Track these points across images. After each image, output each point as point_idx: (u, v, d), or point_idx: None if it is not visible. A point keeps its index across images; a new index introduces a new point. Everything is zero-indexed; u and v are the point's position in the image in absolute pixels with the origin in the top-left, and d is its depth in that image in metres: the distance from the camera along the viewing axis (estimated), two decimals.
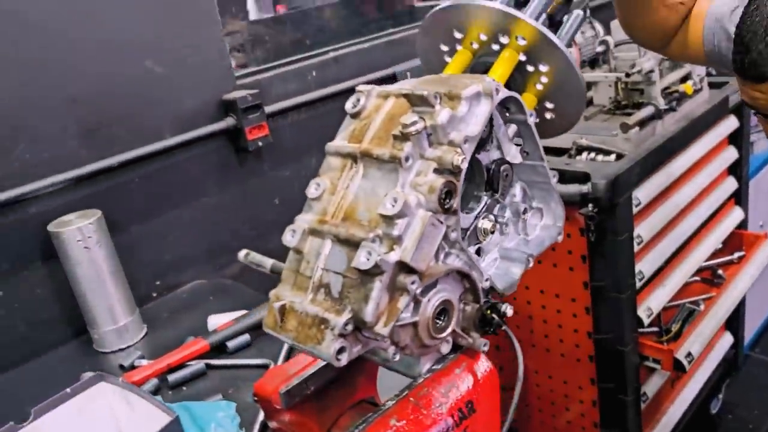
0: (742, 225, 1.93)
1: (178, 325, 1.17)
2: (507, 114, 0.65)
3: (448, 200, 0.57)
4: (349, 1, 5.43)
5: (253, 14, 6.35)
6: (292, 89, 1.42)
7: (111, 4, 1.15)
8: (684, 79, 1.60)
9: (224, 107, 1.31)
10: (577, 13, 0.76)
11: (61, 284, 1.13)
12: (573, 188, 1.32)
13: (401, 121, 0.58)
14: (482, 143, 0.64)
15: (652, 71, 1.48)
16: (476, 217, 0.65)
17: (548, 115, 0.72)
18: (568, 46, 0.70)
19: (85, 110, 1.14)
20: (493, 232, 0.67)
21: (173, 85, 1.24)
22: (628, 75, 1.49)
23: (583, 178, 1.32)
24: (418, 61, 1.60)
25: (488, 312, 0.62)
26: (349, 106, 0.67)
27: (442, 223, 0.57)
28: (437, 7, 0.72)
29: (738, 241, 1.92)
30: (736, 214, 1.88)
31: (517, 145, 0.69)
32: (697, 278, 1.83)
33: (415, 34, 1.68)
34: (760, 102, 0.77)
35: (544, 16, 0.74)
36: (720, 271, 1.85)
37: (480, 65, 0.72)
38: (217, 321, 1.12)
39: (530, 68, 0.69)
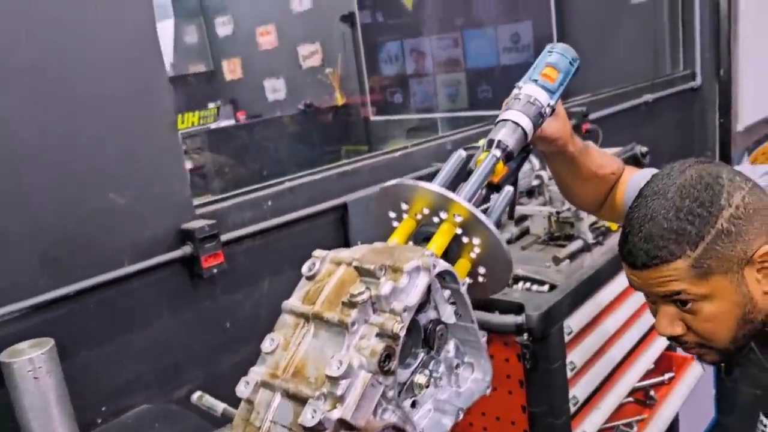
0: (671, 347, 2.05)
1: None
2: (443, 281, 0.74)
3: (387, 363, 0.64)
4: (306, 113, 5.66)
5: (212, 123, 6.50)
6: (249, 217, 1.50)
7: (79, 139, 1.23)
8: None
9: (182, 236, 1.37)
10: (507, 189, 0.88)
11: (4, 411, 1.13)
12: (509, 318, 1.41)
13: (350, 291, 0.66)
14: (421, 306, 0.73)
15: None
16: (413, 372, 0.73)
17: (481, 279, 0.82)
18: (498, 224, 0.81)
19: (47, 240, 1.19)
20: (427, 386, 0.74)
21: (134, 216, 1.31)
22: (558, 213, 1.63)
23: (518, 309, 1.42)
24: (367, 192, 1.72)
25: None
26: (305, 269, 0.75)
27: (380, 383, 0.64)
28: (387, 184, 0.82)
29: (668, 363, 2.04)
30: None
31: (452, 303, 0.78)
32: (630, 399, 1.92)
33: (365, 166, 1.81)
34: (635, 284, 0.90)
35: (481, 191, 0.86)
36: (652, 392, 1.94)
37: (423, 233, 0.82)
38: None
39: (465, 240, 0.79)
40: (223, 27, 6.23)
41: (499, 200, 0.88)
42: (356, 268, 0.68)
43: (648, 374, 1.94)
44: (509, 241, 1.78)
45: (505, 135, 0.92)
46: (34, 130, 1.17)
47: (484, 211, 0.83)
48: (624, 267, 0.91)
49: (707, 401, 2.72)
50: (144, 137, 1.32)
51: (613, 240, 1.72)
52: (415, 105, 4.91)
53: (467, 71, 4.47)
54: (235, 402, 0.70)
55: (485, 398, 1.69)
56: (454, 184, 0.88)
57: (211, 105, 6.07)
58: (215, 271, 1.39)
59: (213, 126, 5.99)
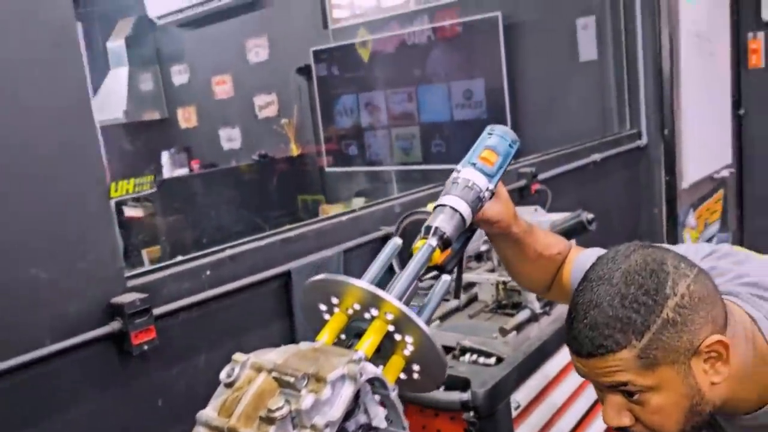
0: None
1: None
2: (372, 386, 0.70)
3: None
4: (262, 163, 5.62)
5: (166, 171, 6.41)
6: (186, 288, 1.44)
7: None
8: None
9: (111, 311, 1.30)
10: (444, 279, 0.85)
11: None
12: (454, 395, 1.37)
13: (268, 406, 0.61)
14: (349, 413, 0.68)
15: None
16: None
17: (416, 376, 0.78)
18: (428, 322, 0.78)
19: None
20: None
21: (59, 291, 1.23)
22: (505, 283, 1.62)
23: (464, 385, 1.38)
24: (312, 258, 1.68)
25: None
26: (223, 375, 0.69)
27: None
28: (315, 278, 0.78)
29: None
30: None
31: (383, 405, 0.73)
32: None
33: (310, 231, 1.76)
34: (580, 371, 0.87)
35: (417, 281, 0.83)
36: None
37: (355, 328, 0.78)
38: None
39: (398, 337, 0.75)
40: (179, 75, 6.21)
41: (435, 291, 0.85)
42: (276, 379, 0.64)
43: None
44: (457, 309, 1.75)
45: (443, 221, 0.89)
46: None
47: (419, 311, 0.80)
48: (570, 354, 0.89)
49: None
50: (73, 207, 1.26)
51: (561, 309, 1.71)
52: (370, 157, 4.93)
53: (421, 125, 4.52)
54: None
55: None
56: (390, 275, 0.85)
57: (164, 157, 5.99)
58: (146, 347, 1.32)
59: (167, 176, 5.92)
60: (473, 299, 1.80)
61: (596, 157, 3.11)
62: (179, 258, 1.49)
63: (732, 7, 4.39)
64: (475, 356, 1.51)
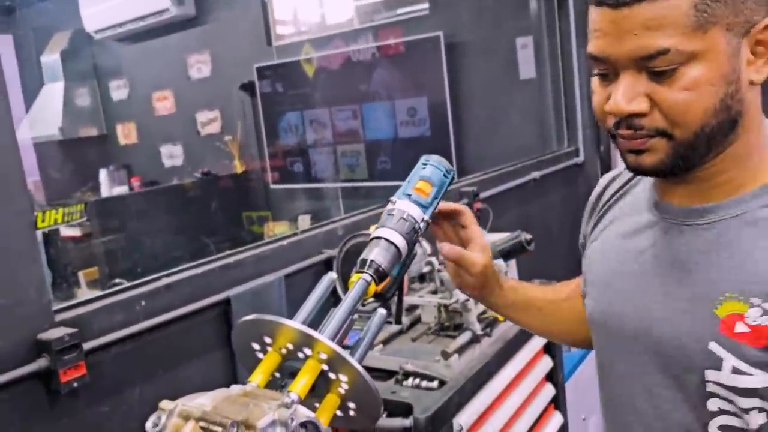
0: (563, 428, 2.07)
1: None
2: (305, 429, 0.69)
3: None
4: (207, 181, 5.50)
5: (105, 189, 6.22)
6: (118, 321, 1.39)
7: None
8: None
9: (37, 347, 1.24)
10: (381, 312, 0.84)
11: None
12: (397, 422, 1.37)
13: None
14: None
15: (467, 300, 1.63)
16: None
17: (352, 413, 0.77)
18: (362, 360, 0.77)
19: None
20: None
21: None
22: (446, 306, 1.63)
23: (407, 411, 1.38)
24: (252, 284, 1.65)
25: None
26: (149, 425, 0.67)
27: None
28: (245, 318, 0.76)
29: None
30: (556, 419, 2.02)
31: None
32: None
33: (250, 257, 1.73)
34: (605, 38, 0.72)
35: (350, 320, 0.82)
36: None
37: (288, 367, 0.76)
38: None
39: (332, 376, 0.74)
40: (118, 91, 6.06)
41: (371, 326, 0.84)
42: (203, 429, 0.62)
43: None
44: (401, 332, 1.75)
45: (377, 255, 0.89)
46: None
47: (355, 346, 0.79)
48: (597, 13, 0.71)
49: None
50: None
51: (502, 329, 1.73)
52: (316, 174, 4.91)
53: (366, 143, 4.54)
54: None
55: None
56: (325, 310, 0.84)
57: (102, 174, 5.82)
58: (76, 384, 1.26)
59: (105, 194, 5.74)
60: (416, 321, 1.80)
61: (536, 174, 3.19)
62: (111, 289, 1.44)
63: None
64: (417, 380, 1.51)
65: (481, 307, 1.69)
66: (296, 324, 0.72)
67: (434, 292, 1.81)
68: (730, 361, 0.72)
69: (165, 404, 0.67)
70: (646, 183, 0.88)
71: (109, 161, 6.11)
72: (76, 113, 6.02)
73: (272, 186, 5.28)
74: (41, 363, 1.23)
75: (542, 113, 3.70)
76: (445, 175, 1.03)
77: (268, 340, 0.77)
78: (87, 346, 1.30)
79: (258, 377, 0.74)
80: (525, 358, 1.79)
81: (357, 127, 4.57)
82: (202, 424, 0.62)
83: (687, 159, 0.74)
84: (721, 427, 0.75)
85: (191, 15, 5.25)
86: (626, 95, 0.71)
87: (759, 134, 0.76)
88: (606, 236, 0.92)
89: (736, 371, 0.71)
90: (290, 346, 0.75)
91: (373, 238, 0.93)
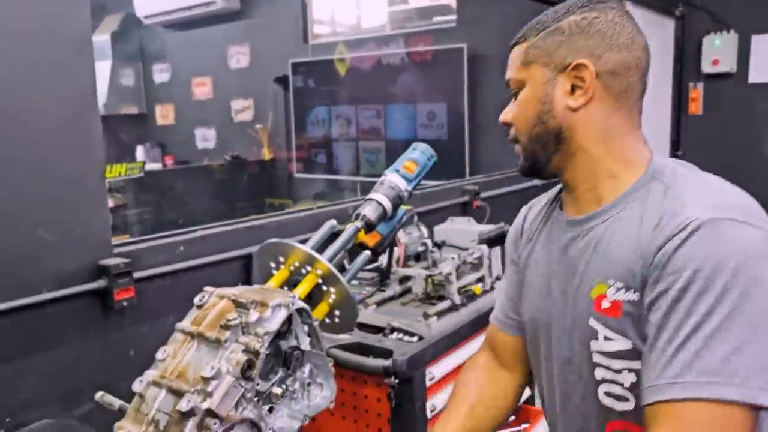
0: (529, 400, 2.34)
1: None
2: (302, 317, 0.99)
3: (248, 372, 0.88)
4: (234, 164, 5.82)
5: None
6: (162, 259, 1.71)
7: (17, 184, 1.42)
8: (478, 281, 2.06)
9: (99, 271, 1.56)
10: (364, 254, 1.14)
11: None
12: (379, 362, 1.66)
13: (226, 317, 0.89)
14: (284, 334, 0.97)
15: (450, 273, 1.92)
16: (272, 385, 0.96)
17: (336, 320, 1.07)
18: (349, 281, 1.07)
19: None
20: (283, 397, 0.97)
21: (59, 250, 1.49)
22: (431, 276, 1.92)
23: (388, 354, 1.67)
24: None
25: None
26: (196, 300, 0.97)
27: (242, 386, 0.87)
28: (268, 241, 1.07)
29: (525, 414, 2.33)
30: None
31: (310, 335, 1.02)
32: None
33: (271, 222, 2.04)
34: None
35: (344, 252, 1.12)
36: None
37: (294, 280, 1.06)
38: None
39: (325, 288, 1.04)
40: (161, 74, 6.43)
41: (357, 261, 1.14)
42: (233, 301, 0.92)
43: (509, 424, 2.21)
44: (392, 298, 2.04)
45: (368, 210, 1.19)
46: None
47: (343, 269, 1.09)
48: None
49: None
50: (75, 184, 1.52)
51: (480, 304, 2.01)
52: (338, 166, 5.22)
53: (387, 140, 4.84)
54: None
55: None
56: (324, 245, 1.14)
57: (139, 151, 6.17)
58: (125, 304, 1.58)
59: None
60: (408, 290, 2.09)
61: (538, 182, 3.45)
62: (159, 233, 1.76)
63: (676, 58, 4.81)
64: (401, 335, 1.81)
65: (462, 281, 1.98)
66: (304, 247, 1.03)
67: (426, 269, 2.11)
68: (602, 331, 0.94)
69: (208, 288, 0.98)
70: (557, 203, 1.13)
71: (146, 139, 6.47)
72: (120, 91, 6.40)
73: (296, 174, 5.59)
74: (101, 283, 1.55)
75: None
76: (428, 159, 1.32)
77: (281, 259, 1.07)
78: (136, 275, 1.62)
79: (271, 283, 1.05)
80: None
81: (379, 126, 4.88)
82: (232, 299, 0.92)
83: (536, 161, 1.01)
84: (606, 393, 0.97)
85: (236, 8, 5.58)
86: (504, 111, 1.06)
87: (604, 154, 0.97)
88: (536, 250, 1.13)
89: (606, 339, 0.93)
90: (297, 264, 1.05)
91: (367, 199, 1.23)
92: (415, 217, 2.32)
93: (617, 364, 0.94)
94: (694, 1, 4.63)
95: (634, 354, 0.91)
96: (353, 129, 5.04)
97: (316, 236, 1.15)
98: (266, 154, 5.74)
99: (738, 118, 4.62)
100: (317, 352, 1.02)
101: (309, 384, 1.02)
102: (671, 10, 4.62)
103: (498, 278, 2.14)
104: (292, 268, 1.07)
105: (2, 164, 1.39)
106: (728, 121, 4.66)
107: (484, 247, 2.08)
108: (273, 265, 1.10)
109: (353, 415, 1.85)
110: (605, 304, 0.94)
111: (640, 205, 0.93)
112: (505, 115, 1.05)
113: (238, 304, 0.92)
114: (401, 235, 2.10)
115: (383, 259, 2.08)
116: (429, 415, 1.75)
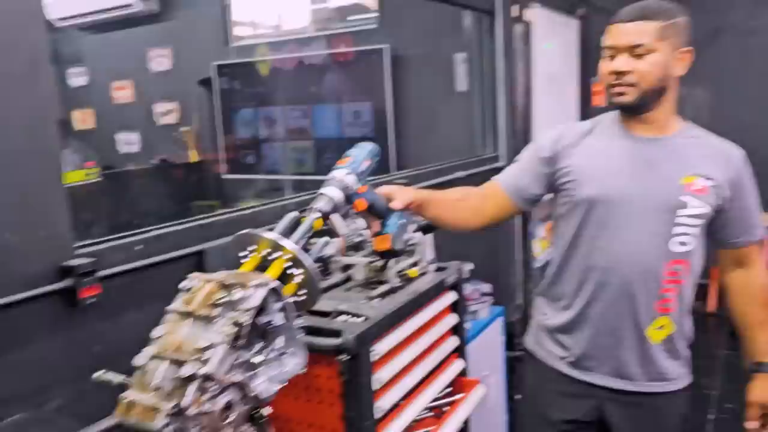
0: (463, 373, 2.57)
1: None
2: (275, 295, 1.15)
3: (236, 341, 1.03)
4: (161, 168, 5.78)
5: None
6: (121, 258, 1.81)
7: None
8: (414, 265, 2.27)
9: (62, 271, 1.65)
10: (323, 240, 1.31)
11: None
12: (330, 341, 1.83)
13: (214, 297, 1.04)
14: (262, 311, 1.12)
15: (388, 261, 2.11)
16: (253, 354, 1.11)
17: (302, 298, 1.24)
18: (317, 261, 1.24)
19: None
20: (263, 364, 1.13)
21: (24, 253, 1.57)
22: (371, 263, 2.11)
23: (338, 334, 1.85)
24: (221, 241, 2.09)
25: (255, 411, 1.06)
26: (185, 284, 1.11)
27: (231, 354, 1.02)
28: (241, 232, 1.22)
29: (460, 385, 2.55)
30: (457, 365, 2.52)
31: (282, 311, 1.18)
32: (430, 414, 2.40)
33: (220, 220, 2.16)
34: (614, 38, 1.78)
35: (307, 238, 1.29)
36: (446, 408, 2.43)
37: (263, 267, 1.22)
38: None
39: (291, 271, 1.20)
40: (77, 77, 6.29)
41: (317, 246, 1.31)
42: (219, 283, 1.07)
43: (446, 395, 2.43)
44: (336, 285, 2.21)
45: (322, 204, 1.37)
46: None
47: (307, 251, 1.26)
48: (611, 28, 1.74)
49: (499, 425, 3.30)
50: (37, 190, 1.61)
51: (415, 286, 2.22)
52: (267, 167, 5.32)
53: (315, 140, 4.99)
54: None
55: (312, 410, 2.09)
56: (287, 234, 1.30)
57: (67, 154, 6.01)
58: (89, 302, 1.68)
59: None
60: (349, 279, 2.27)
61: (461, 173, 3.71)
62: (118, 234, 1.86)
63: (580, 55, 5.21)
64: (347, 317, 1.98)
65: (399, 266, 2.18)
66: (274, 235, 1.19)
67: (366, 257, 2.29)
68: (691, 202, 1.72)
69: (193, 275, 1.12)
70: (603, 127, 1.91)
71: (64, 145, 6.30)
72: None
73: (224, 176, 5.64)
74: (66, 282, 1.64)
75: (471, 122, 4.24)
76: (372, 155, 1.51)
77: (253, 247, 1.23)
78: (99, 274, 1.72)
79: (247, 268, 1.21)
80: (435, 310, 2.28)
81: (306, 126, 5.02)
82: (217, 282, 1.07)
83: (644, 102, 1.72)
84: (679, 242, 1.74)
85: (155, 11, 5.56)
86: (622, 62, 1.70)
87: (674, 107, 1.80)
88: (586, 153, 1.84)
89: (693, 206, 1.72)
90: (267, 251, 1.21)
91: (319, 194, 1.40)
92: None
93: (694, 221, 1.73)
94: (594, 3, 5.03)
95: (706, 216, 1.74)
96: (281, 129, 5.15)
97: (280, 225, 1.31)
98: (193, 157, 5.76)
99: None
100: (290, 326, 1.18)
101: (283, 353, 1.18)
102: (573, 10, 5.01)
103: (430, 263, 2.35)
104: (262, 254, 1.23)
105: None
106: None
107: (419, 234, 2.28)
108: (242, 254, 1.26)
109: (306, 396, 2.00)
110: (695, 187, 1.73)
111: (694, 137, 1.83)
112: (627, 65, 1.69)
113: (223, 286, 1.06)
114: (341, 227, 2.27)
115: (327, 251, 2.25)
116: (375, 387, 1.93)
